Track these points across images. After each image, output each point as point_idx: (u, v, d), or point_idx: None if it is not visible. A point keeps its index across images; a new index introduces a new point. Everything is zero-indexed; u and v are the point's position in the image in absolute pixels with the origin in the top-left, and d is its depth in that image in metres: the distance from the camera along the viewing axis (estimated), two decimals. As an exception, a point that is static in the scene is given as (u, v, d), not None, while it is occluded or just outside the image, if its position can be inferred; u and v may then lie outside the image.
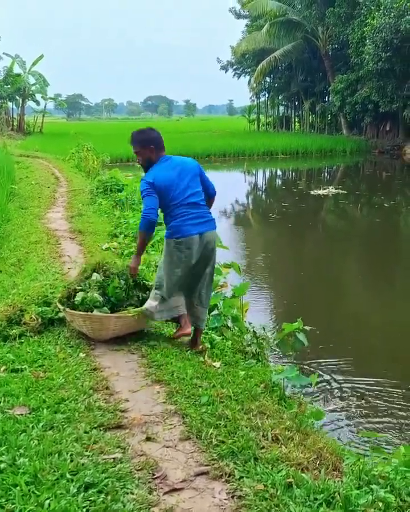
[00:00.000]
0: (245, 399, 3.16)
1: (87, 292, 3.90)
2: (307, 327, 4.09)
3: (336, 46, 33.87)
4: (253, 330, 4.07)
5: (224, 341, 4.30)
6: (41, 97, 41.36)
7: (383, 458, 2.75)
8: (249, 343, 4.06)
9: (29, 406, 2.99)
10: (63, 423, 2.81)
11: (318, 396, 4.60)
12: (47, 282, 4.64)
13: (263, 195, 19.34)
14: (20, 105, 40.22)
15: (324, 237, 11.86)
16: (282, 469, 2.49)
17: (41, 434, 2.69)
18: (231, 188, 19.64)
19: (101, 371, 3.51)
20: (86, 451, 2.58)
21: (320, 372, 5.02)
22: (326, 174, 24.97)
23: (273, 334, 4.31)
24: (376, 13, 24.12)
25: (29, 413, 2.93)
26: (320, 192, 16.94)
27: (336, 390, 4.73)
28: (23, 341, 3.91)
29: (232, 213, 14.96)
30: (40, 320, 4.03)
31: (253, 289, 7.30)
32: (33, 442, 2.62)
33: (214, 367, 3.66)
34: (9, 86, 37.66)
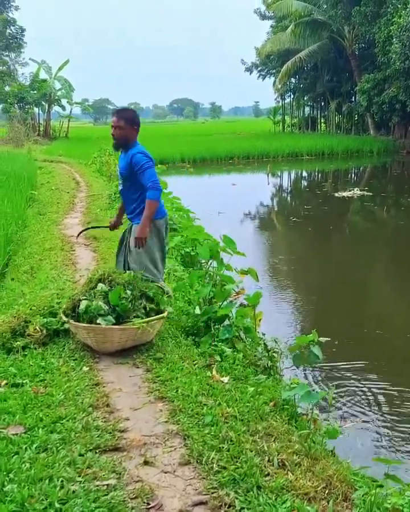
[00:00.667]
0: (251, 419, 2.97)
1: (92, 301, 3.77)
2: (322, 339, 3.89)
3: (363, 45, 33.33)
4: (264, 343, 3.88)
5: (235, 353, 4.11)
6: (67, 102, 41.78)
7: (399, 488, 2.53)
8: (260, 356, 3.87)
9: (25, 425, 2.87)
10: (58, 444, 2.68)
11: (336, 408, 4.38)
12: (55, 291, 4.54)
13: (287, 198, 19.04)
14: (46, 110, 40.67)
15: (347, 241, 11.55)
16: (286, 500, 2.31)
17: (33, 456, 2.57)
18: (254, 190, 19.42)
19: (103, 387, 3.38)
20: (79, 476, 2.44)
21: (341, 381, 4.81)
22: (352, 175, 24.52)
23: (287, 345, 4.11)
24: (403, 11, 23.61)
25: (25, 433, 2.81)
26: (345, 193, 16.58)
27: (356, 401, 4.50)
28: (26, 353, 3.80)
29: (254, 216, 14.74)
30: (44, 331, 3.92)
31: (270, 296, 7.10)
32: (25, 465, 2.50)
33: (222, 382, 3.48)
34: (35, 92, 38.11)
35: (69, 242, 7.20)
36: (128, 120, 4.22)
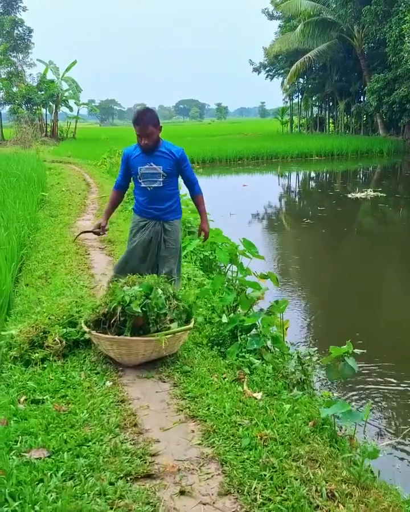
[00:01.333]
0: (292, 442, 2.75)
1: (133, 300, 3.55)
2: (357, 351, 3.67)
3: (372, 45, 33.05)
4: (297, 355, 3.66)
5: (264, 365, 3.89)
6: (74, 103, 41.74)
7: None
8: (293, 370, 3.65)
9: (48, 448, 2.66)
10: (85, 471, 2.46)
11: (371, 419, 4.14)
12: (73, 299, 4.32)
13: (299, 199, 18.79)
14: (54, 111, 40.61)
15: (363, 242, 11.30)
16: (341, 538, 2.09)
17: (60, 485, 2.35)
18: (264, 191, 19.21)
19: (129, 404, 3.16)
20: (111, 509, 2.22)
21: (368, 389, 4.58)
22: (362, 176, 24.24)
23: (318, 358, 3.88)
24: (415, 9, 23.35)
25: (49, 457, 2.59)
26: (358, 194, 16.36)
27: (388, 412, 4.27)
28: (46, 366, 3.59)
29: (266, 217, 14.52)
30: (64, 342, 3.71)
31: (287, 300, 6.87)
32: (51, 496, 2.28)
33: (255, 399, 3.26)
34: (43, 93, 38.06)
35: (83, 246, 7.00)
36: (156, 123, 4.03)
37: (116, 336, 3.52)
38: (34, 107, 38.85)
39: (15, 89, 38.05)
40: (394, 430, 4.03)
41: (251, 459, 2.57)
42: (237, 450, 2.66)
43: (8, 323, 4.51)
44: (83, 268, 5.97)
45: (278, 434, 2.78)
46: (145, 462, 2.56)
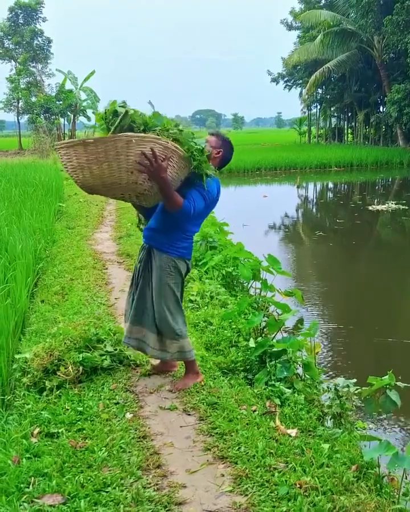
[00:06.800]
0: (335, 490, 2.45)
1: None
2: (400, 384, 3.37)
3: (393, 55, 32.70)
4: (335, 388, 3.36)
5: (295, 394, 3.60)
6: (92, 113, 41.89)
7: None
8: (330, 403, 3.35)
9: (63, 493, 2.40)
10: (105, 523, 2.20)
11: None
12: (91, 319, 4.08)
13: (318, 211, 18.46)
14: (72, 121, 40.81)
15: (390, 257, 10.93)
16: None
17: (76, 541, 2.09)
18: (283, 202, 18.92)
19: (152, 440, 2.89)
20: None
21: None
22: (383, 187, 23.79)
23: (356, 389, 3.58)
24: (437, 19, 23.01)
25: (64, 504, 2.33)
26: (379, 207, 15.98)
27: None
28: (61, 393, 3.34)
29: (283, 229, 14.21)
30: (81, 369, 3.46)
31: (308, 319, 6.56)
32: None
33: (289, 436, 2.97)
34: (61, 102, 38.27)
35: (100, 260, 6.77)
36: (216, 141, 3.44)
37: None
38: (52, 117, 39.06)
39: (33, 99, 38.34)
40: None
41: (291, 512, 2.28)
42: (274, 500, 2.38)
43: (22, 343, 4.29)
44: (101, 283, 5.74)
45: (319, 482, 2.49)
46: (171, 513, 2.29)
